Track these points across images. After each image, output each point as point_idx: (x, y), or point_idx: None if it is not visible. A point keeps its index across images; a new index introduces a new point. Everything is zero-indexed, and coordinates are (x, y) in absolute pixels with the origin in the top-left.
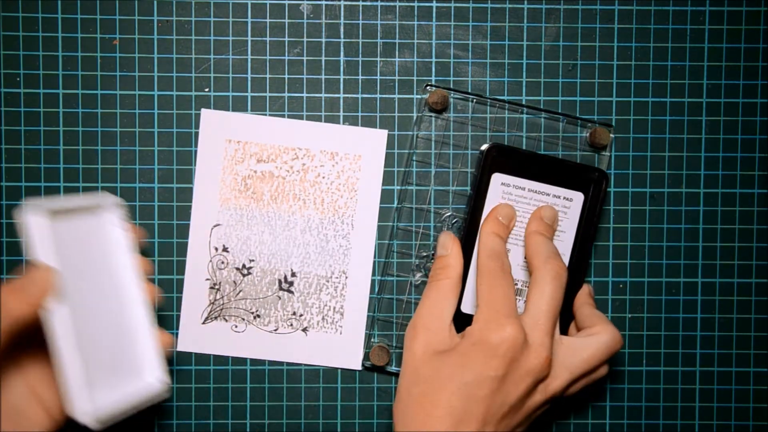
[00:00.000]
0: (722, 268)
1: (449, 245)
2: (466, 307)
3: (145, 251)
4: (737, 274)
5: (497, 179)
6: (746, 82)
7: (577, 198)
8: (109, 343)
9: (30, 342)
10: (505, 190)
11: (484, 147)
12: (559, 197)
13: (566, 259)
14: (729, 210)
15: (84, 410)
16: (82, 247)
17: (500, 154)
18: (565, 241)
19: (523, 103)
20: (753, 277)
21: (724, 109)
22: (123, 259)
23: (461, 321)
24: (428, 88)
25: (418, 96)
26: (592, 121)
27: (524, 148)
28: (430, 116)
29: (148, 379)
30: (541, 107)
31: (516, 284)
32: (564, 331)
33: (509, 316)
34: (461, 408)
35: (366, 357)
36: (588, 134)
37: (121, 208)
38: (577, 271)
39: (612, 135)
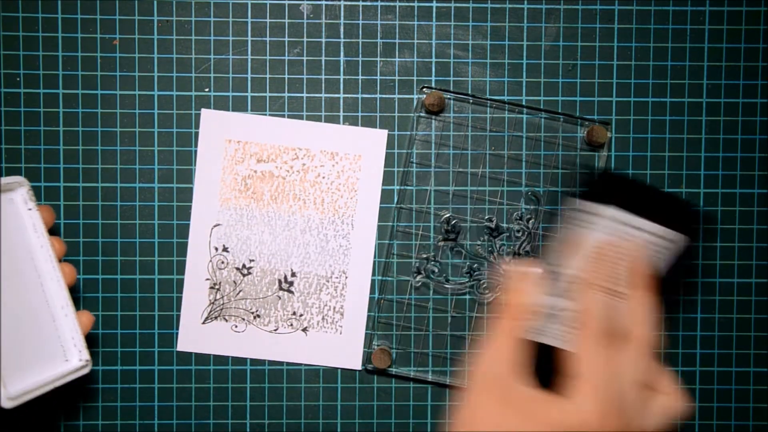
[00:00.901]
0: (722, 268)
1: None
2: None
3: (55, 231)
4: (737, 274)
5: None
6: (746, 82)
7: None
8: (29, 325)
9: None
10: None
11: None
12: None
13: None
14: (729, 210)
15: (2, 394)
16: None
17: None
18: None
19: (523, 103)
20: (753, 277)
21: (724, 109)
22: (37, 241)
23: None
24: (424, 90)
25: (418, 96)
26: (589, 120)
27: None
28: (428, 118)
29: (71, 359)
30: (541, 107)
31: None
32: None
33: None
34: None
35: (368, 360)
36: (585, 133)
37: (30, 190)
38: None
39: (609, 133)
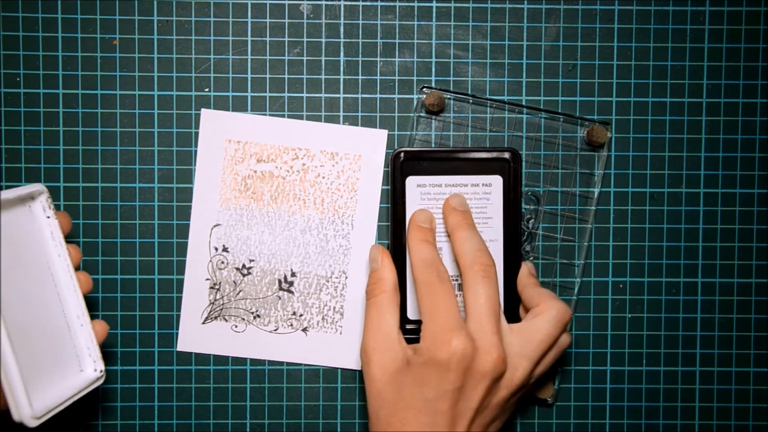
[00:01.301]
0: (722, 268)
1: (379, 258)
2: (411, 313)
3: (72, 236)
4: (737, 274)
5: (412, 182)
6: (746, 82)
7: (496, 181)
8: (46, 336)
9: None
10: (422, 191)
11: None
12: (477, 185)
13: (498, 245)
14: (729, 210)
15: (28, 414)
16: (16, 239)
17: (408, 157)
18: (494, 227)
19: (523, 103)
20: (753, 277)
21: (724, 109)
22: (54, 249)
23: (411, 327)
24: (424, 89)
25: (418, 96)
26: (589, 120)
27: (460, 144)
28: (428, 118)
29: (86, 369)
30: (541, 107)
31: (456, 280)
32: (515, 316)
33: (453, 328)
34: (430, 422)
35: None
36: (585, 133)
37: (48, 197)
38: (512, 253)
39: (609, 133)
